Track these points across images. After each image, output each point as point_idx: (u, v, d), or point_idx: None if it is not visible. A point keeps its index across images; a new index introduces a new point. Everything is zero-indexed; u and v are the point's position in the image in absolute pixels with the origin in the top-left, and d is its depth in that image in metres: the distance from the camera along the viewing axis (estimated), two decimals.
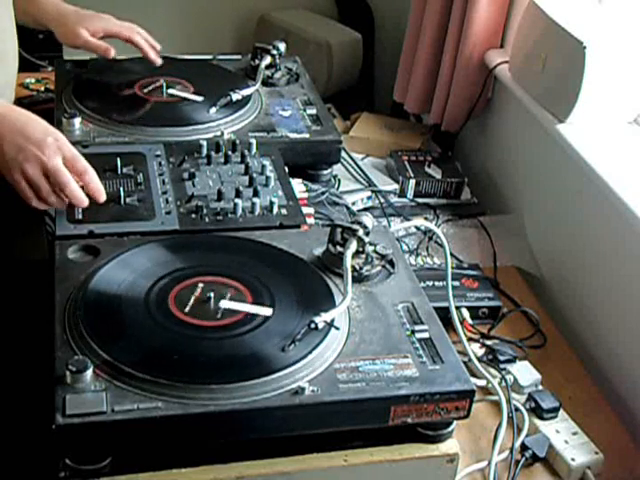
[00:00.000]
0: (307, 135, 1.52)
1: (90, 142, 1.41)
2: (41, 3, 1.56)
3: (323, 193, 1.49)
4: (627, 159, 1.51)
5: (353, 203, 1.70)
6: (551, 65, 1.61)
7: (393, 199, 1.81)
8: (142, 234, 1.21)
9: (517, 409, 1.25)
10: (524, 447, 1.21)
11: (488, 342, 1.40)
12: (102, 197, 1.24)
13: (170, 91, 1.57)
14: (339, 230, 1.18)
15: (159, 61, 1.63)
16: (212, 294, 1.06)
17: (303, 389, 0.94)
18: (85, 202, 1.22)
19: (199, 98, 1.55)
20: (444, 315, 1.19)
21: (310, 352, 0.99)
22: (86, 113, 1.48)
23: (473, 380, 1.02)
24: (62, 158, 1.20)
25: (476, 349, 1.37)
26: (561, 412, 1.27)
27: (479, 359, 1.32)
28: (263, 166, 1.38)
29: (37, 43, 2.22)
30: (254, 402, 0.93)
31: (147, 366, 0.94)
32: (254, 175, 1.35)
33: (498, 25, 1.88)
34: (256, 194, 1.31)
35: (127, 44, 1.61)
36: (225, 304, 1.05)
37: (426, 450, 1.02)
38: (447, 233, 1.72)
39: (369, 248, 1.17)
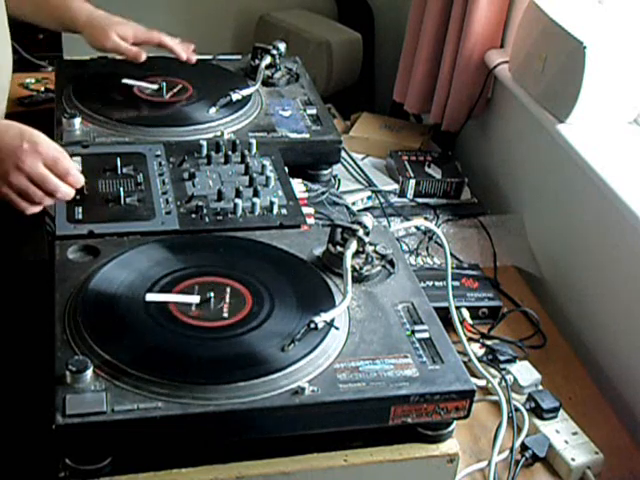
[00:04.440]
0: (307, 135, 1.52)
1: (90, 142, 1.41)
2: (73, 9, 1.58)
3: (323, 193, 1.49)
4: (627, 159, 1.51)
5: (353, 203, 1.70)
6: (551, 65, 1.61)
7: (393, 199, 1.81)
8: (142, 234, 1.21)
9: (517, 409, 1.26)
10: (524, 447, 1.21)
11: (488, 342, 1.40)
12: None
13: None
14: (339, 230, 1.18)
15: (193, 59, 1.65)
16: (212, 294, 1.07)
17: (303, 389, 0.94)
18: (72, 196, 1.21)
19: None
20: (444, 315, 1.19)
21: (310, 352, 0.99)
22: (86, 113, 1.48)
23: (473, 380, 1.02)
24: (42, 162, 1.16)
25: (476, 349, 1.37)
26: (561, 412, 1.27)
27: (479, 359, 1.32)
28: (263, 166, 1.38)
29: (37, 43, 2.22)
30: (254, 402, 0.93)
31: (147, 366, 0.94)
32: (254, 175, 1.35)
33: (498, 25, 1.88)
34: (256, 194, 1.31)
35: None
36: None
37: (426, 450, 1.02)
38: (447, 233, 1.72)
39: (369, 248, 1.17)
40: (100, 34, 1.56)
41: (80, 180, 1.21)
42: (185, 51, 1.64)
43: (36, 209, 1.20)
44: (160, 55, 1.65)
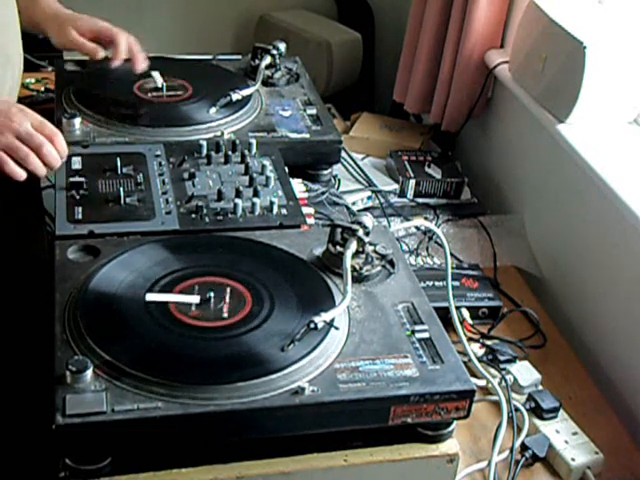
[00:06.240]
0: (307, 135, 1.52)
1: (90, 142, 1.40)
2: (39, 4, 1.55)
3: (323, 193, 1.49)
4: (627, 159, 1.51)
5: (353, 203, 1.70)
6: (551, 65, 1.61)
7: (393, 199, 1.81)
8: (142, 234, 1.21)
9: (517, 409, 1.26)
10: (524, 447, 1.21)
11: (488, 342, 1.40)
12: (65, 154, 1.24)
13: None
14: (339, 230, 1.18)
15: (138, 68, 1.56)
16: (212, 294, 1.07)
17: (303, 389, 0.94)
18: (60, 161, 1.22)
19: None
20: (444, 315, 1.19)
21: (310, 352, 0.99)
22: (86, 113, 1.47)
23: (473, 380, 1.02)
24: (30, 122, 1.19)
25: (476, 349, 1.37)
26: (561, 412, 1.27)
27: (479, 359, 1.32)
28: (263, 166, 1.38)
29: (37, 43, 2.21)
30: (254, 402, 0.93)
31: (147, 366, 0.94)
32: (254, 175, 1.35)
33: (498, 25, 1.88)
34: (256, 194, 1.31)
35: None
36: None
37: (426, 450, 1.01)
38: (447, 233, 1.72)
39: (369, 248, 1.17)
40: (59, 31, 1.54)
41: (65, 147, 1.22)
42: (135, 59, 1.55)
43: (23, 174, 1.19)
44: (160, 55, 1.65)
